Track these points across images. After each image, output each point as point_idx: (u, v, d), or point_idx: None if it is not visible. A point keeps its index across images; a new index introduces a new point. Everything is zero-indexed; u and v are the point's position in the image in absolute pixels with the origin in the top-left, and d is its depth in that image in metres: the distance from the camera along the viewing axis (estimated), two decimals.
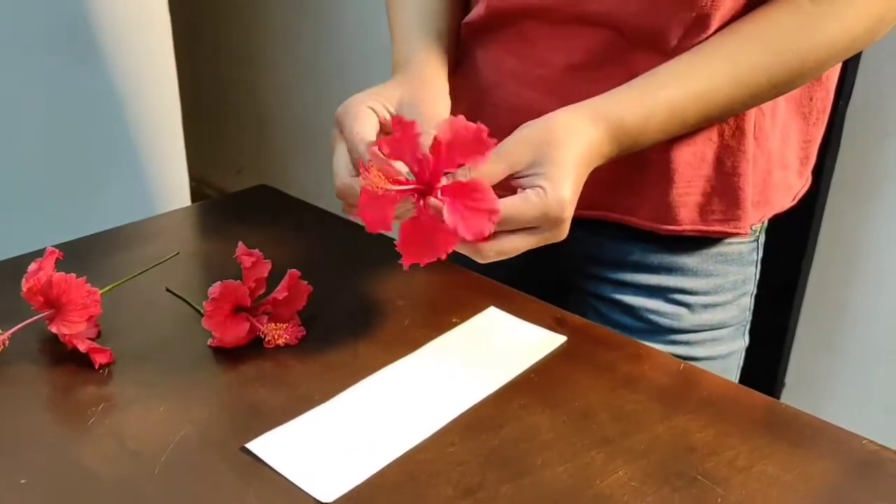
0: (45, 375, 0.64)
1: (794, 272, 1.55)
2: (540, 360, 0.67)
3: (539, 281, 0.88)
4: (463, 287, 0.78)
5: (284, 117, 2.49)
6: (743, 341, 0.85)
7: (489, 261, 0.60)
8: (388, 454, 0.56)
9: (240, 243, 0.70)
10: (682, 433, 0.59)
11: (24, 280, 0.66)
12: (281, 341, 0.67)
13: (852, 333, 1.57)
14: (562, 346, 0.69)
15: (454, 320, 0.72)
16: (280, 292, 0.69)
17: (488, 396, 0.62)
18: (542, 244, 0.61)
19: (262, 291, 0.69)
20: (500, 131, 0.63)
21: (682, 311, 0.80)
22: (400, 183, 0.56)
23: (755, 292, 0.85)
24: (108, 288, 0.69)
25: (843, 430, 0.60)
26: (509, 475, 0.54)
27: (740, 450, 0.57)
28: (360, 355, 0.67)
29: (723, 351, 0.83)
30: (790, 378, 1.70)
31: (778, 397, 1.70)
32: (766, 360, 1.68)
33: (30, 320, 0.65)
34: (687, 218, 0.75)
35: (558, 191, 0.58)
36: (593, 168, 0.64)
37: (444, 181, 0.56)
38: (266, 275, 0.69)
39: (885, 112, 1.38)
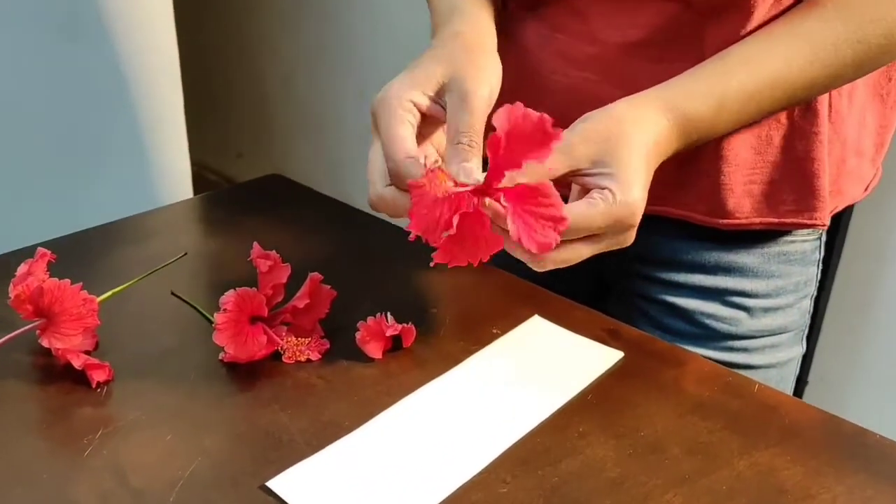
0: (34, 395, 0.56)
1: (822, 268, 1.49)
2: (596, 380, 0.59)
3: (575, 280, 0.80)
4: (501, 291, 0.70)
5: (287, 99, 2.40)
6: (801, 347, 0.78)
7: (547, 269, 0.52)
8: (431, 495, 0.48)
9: (255, 244, 0.62)
10: (767, 471, 0.51)
11: (11, 285, 0.58)
12: (303, 357, 0.59)
13: (878, 332, 1.51)
14: (619, 362, 0.61)
15: (495, 331, 0.64)
16: (301, 300, 0.61)
17: (542, 423, 0.54)
18: (607, 250, 0.54)
19: (280, 299, 0.61)
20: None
21: (741, 314, 0.73)
22: (460, 184, 0.49)
23: (815, 294, 0.77)
24: (106, 295, 0.60)
25: None
26: None
27: (837, 491, 0.50)
28: (391, 373, 0.59)
29: (782, 358, 0.76)
30: (813, 376, 1.64)
31: (801, 395, 1.64)
32: None
33: (17, 332, 0.57)
34: (754, 210, 0.68)
35: (627, 193, 0.52)
36: (660, 164, 0.57)
37: (505, 180, 0.48)
38: (285, 280, 0.61)
39: None
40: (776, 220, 0.67)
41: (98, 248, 0.75)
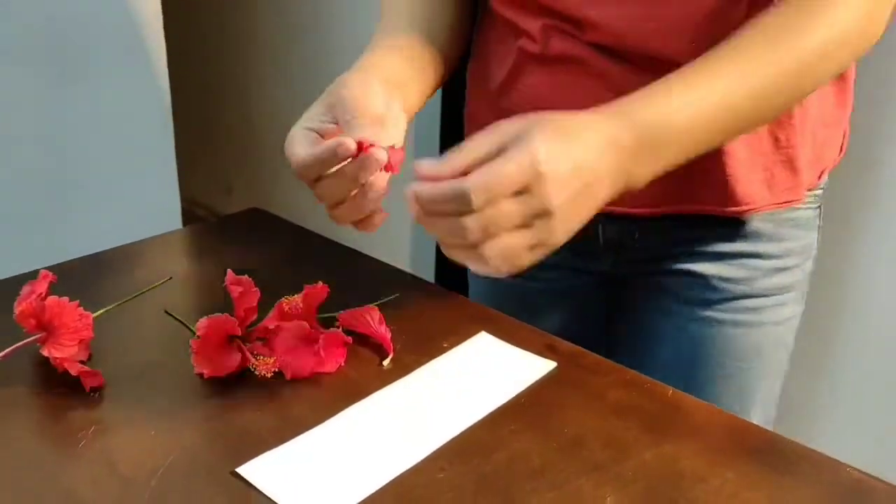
0: (36, 398, 0.64)
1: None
2: (530, 386, 0.67)
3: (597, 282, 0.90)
4: (454, 313, 0.78)
5: (276, 136, 2.48)
6: (802, 305, 0.87)
7: (492, 268, 0.55)
8: (379, 478, 0.56)
9: (228, 271, 0.70)
10: (670, 460, 0.59)
11: (16, 303, 0.66)
12: (269, 374, 0.66)
13: (842, 360, 1.54)
14: (552, 371, 0.69)
15: (445, 345, 0.72)
16: (271, 321, 0.69)
17: (479, 421, 0.62)
18: (536, 240, 0.55)
19: (254, 318, 0.69)
20: None
21: (756, 274, 0.82)
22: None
23: (816, 255, 0.87)
24: (100, 312, 0.69)
25: (830, 458, 0.60)
26: (499, 502, 0.55)
27: (727, 477, 0.58)
28: (350, 379, 0.67)
29: (787, 314, 0.85)
30: (778, 405, 1.68)
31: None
32: None
33: (21, 343, 0.65)
34: (758, 197, 0.78)
35: (531, 143, 0.53)
36: (620, 159, 0.59)
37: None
38: (255, 303, 0.69)
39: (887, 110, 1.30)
40: (775, 201, 0.78)
41: (93, 272, 0.83)
